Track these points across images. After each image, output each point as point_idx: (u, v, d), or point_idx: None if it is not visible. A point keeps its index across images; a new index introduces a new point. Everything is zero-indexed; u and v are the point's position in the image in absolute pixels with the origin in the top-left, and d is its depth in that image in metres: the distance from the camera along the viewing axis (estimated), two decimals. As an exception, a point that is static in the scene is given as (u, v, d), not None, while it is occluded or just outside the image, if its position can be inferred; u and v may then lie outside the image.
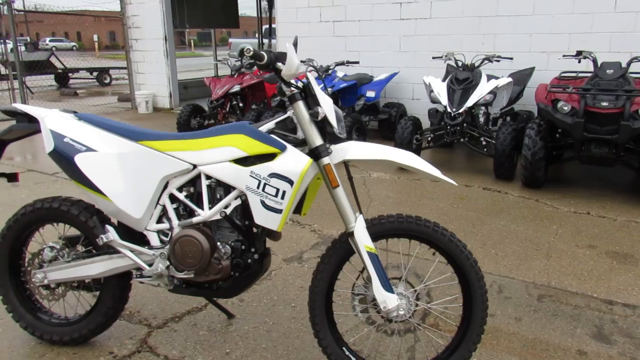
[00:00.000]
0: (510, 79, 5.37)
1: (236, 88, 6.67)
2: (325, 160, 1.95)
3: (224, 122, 6.90)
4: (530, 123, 4.55)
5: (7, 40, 8.27)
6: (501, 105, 5.43)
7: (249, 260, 2.09)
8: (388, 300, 1.94)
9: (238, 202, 2.03)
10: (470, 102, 4.99)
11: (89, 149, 2.12)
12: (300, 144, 2.01)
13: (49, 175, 5.48)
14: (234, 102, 6.80)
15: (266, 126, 2.03)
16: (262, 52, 1.85)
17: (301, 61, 6.79)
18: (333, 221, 3.97)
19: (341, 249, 2.05)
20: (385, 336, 2.40)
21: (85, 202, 2.31)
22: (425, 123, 6.18)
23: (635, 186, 4.52)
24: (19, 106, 2.25)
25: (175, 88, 9.94)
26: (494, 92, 5.11)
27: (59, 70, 14.80)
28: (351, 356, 2.06)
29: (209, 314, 2.68)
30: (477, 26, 6.56)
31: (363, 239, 1.95)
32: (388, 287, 1.96)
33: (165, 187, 2.13)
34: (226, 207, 2.04)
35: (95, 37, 41.20)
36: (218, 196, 2.08)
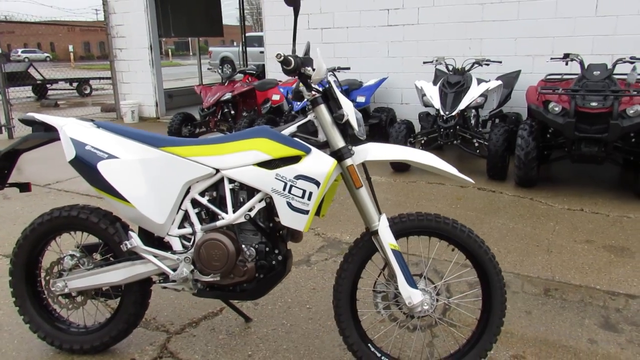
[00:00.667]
0: (500, 82, 5.52)
1: (227, 96, 6.70)
2: (348, 161, 2.00)
3: (215, 130, 6.91)
4: (522, 124, 4.69)
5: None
6: (492, 107, 5.57)
7: (274, 262, 2.12)
8: (413, 296, 2.00)
9: (262, 204, 2.07)
10: (462, 105, 5.11)
11: (110, 156, 2.13)
12: (321, 146, 2.06)
13: (41, 187, 5.41)
14: (226, 110, 6.82)
15: (288, 130, 2.08)
16: (290, 57, 1.90)
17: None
18: (335, 224, 4.02)
19: (364, 247, 2.10)
20: (406, 332, 2.45)
21: (104, 210, 2.32)
22: (416, 127, 6.28)
23: (622, 183, 4.68)
24: (37, 115, 2.25)
25: (161, 97, 9.90)
26: (485, 95, 5.24)
27: (38, 82, 14.57)
28: (377, 352, 2.11)
29: (225, 318, 2.70)
30: (463, 31, 6.72)
31: (387, 237, 2.01)
32: (412, 283, 2.02)
33: (187, 192, 2.15)
34: (250, 209, 2.08)
35: (70, 48, 40.67)
36: (241, 199, 2.11)
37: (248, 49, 14.55)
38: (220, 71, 7.10)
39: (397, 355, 2.21)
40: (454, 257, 2.14)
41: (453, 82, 5.27)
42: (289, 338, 2.50)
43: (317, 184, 1.94)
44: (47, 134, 2.27)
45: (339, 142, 2.00)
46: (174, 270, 2.17)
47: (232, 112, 6.86)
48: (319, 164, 1.95)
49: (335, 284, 2.12)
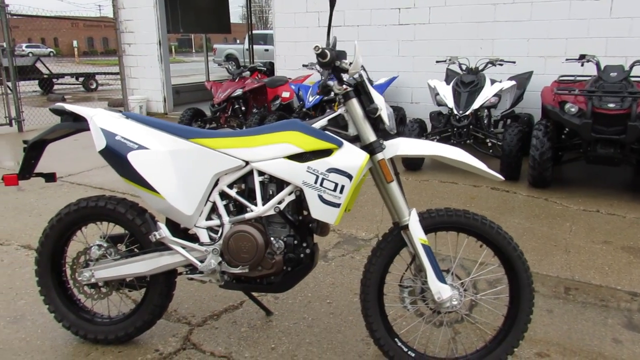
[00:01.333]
0: (514, 82, 5.52)
1: (238, 92, 6.70)
2: (379, 155, 2.01)
3: (226, 126, 6.91)
4: (537, 124, 4.68)
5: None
6: (505, 107, 5.57)
7: (302, 255, 2.12)
8: (442, 291, 2.00)
9: (292, 197, 2.07)
10: (476, 105, 5.11)
11: (140, 147, 2.13)
12: (351, 140, 2.06)
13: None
14: (236, 106, 6.82)
15: (319, 123, 2.08)
16: (326, 50, 1.90)
17: (303, 65, 6.86)
18: (351, 221, 4.02)
19: (393, 242, 2.10)
20: (429, 327, 2.46)
21: (130, 200, 2.32)
22: (428, 126, 6.28)
23: (637, 184, 4.68)
24: (67, 105, 2.25)
25: (169, 93, 9.91)
26: (498, 95, 5.24)
27: (45, 76, 14.58)
28: (403, 347, 2.11)
29: (246, 311, 2.70)
30: (475, 31, 6.71)
31: (417, 232, 2.01)
32: (442, 278, 2.02)
33: (215, 184, 2.15)
34: (280, 202, 2.08)
35: (75, 43, 40.73)
36: (270, 192, 2.11)
37: (254, 46, 14.56)
38: (231, 67, 7.11)
39: (422, 351, 2.21)
40: (482, 254, 2.14)
41: (467, 82, 5.27)
42: (311, 332, 2.50)
43: (350, 177, 1.94)
44: (76, 124, 2.27)
45: (371, 136, 2.00)
46: (202, 261, 2.17)
47: (243, 108, 6.86)
48: (351, 157, 1.95)
49: (363, 278, 2.13)
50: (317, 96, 6.08)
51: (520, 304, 2.08)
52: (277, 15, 8.20)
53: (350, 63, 1.96)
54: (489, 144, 5.21)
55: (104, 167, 5.95)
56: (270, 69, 8.41)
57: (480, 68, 5.46)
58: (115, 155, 2.14)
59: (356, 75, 2.00)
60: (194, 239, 2.23)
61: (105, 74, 15.80)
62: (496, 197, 4.60)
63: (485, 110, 5.51)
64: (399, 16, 7.15)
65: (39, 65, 14.47)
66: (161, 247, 2.21)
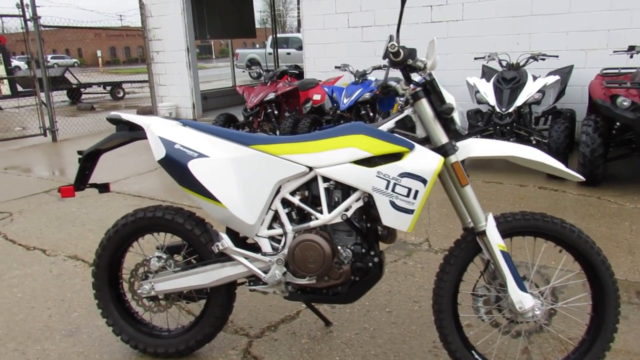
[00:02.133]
0: (558, 77, 5.34)
1: (271, 96, 6.64)
2: (452, 158, 1.90)
3: (259, 131, 6.86)
4: (586, 120, 4.50)
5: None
6: (548, 103, 5.39)
7: (370, 264, 2.03)
8: (524, 301, 1.89)
9: (359, 204, 1.98)
10: (519, 101, 4.95)
11: (201, 155, 2.07)
12: (420, 143, 1.96)
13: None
14: (269, 110, 6.77)
15: (386, 125, 1.98)
16: (400, 49, 1.81)
17: (336, 67, 6.77)
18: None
19: (467, 248, 1.99)
20: (502, 337, 2.33)
21: (188, 210, 2.26)
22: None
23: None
24: (123, 114, 2.21)
25: (198, 99, 9.93)
26: (542, 91, 5.07)
27: (74, 86, 14.81)
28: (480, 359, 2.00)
29: (304, 321, 2.62)
30: (511, 26, 6.54)
31: (496, 238, 1.90)
32: (523, 287, 1.91)
33: (277, 191, 2.08)
34: (347, 209, 1.99)
35: (99, 53, 41.46)
36: (336, 199, 2.02)
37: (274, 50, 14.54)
38: (259, 72, 7.07)
39: (501, 363, 2.10)
40: (562, 259, 2.02)
41: (509, 78, 5.11)
42: (375, 343, 2.40)
43: (424, 181, 1.84)
44: (132, 133, 2.22)
45: (443, 137, 1.90)
46: (265, 272, 2.10)
47: (276, 112, 6.81)
48: (425, 160, 1.85)
49: (435, 287, 2.02)
50: (352, 98, 5.99)
51: (605, 312, 1.95)
52: (305, 17, 8.14)
53: (424, 61, 1.85)
54: (533, 142, 5.04)
55: (140, 175, 5.96)
56: (298, 72, 8.35)
57: (521, 64, 5.29)
58: (175, 164, 2.08)
59: (427, 74, 1.90)
60: (254, 248, 2.16)
61: (132, 82, 15.98)
62: (546, 197, 4.43)
63: (527, 107, 5.34)
64: (431, 14, 7.01)
65: (67, 75, 14.71)
66: (223, 257, 2.14)
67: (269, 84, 6.83)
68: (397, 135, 1.91)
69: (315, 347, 2.39)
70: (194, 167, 2.06)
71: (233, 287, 2.24)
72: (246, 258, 2.11)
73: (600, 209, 4.05)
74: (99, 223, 4.27)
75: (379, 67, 6.28)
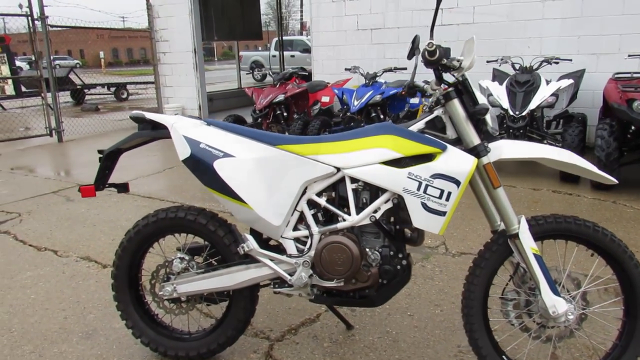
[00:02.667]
0: (571, 81, 5.31)
1: (280, 97, 6.62)
2: (485, 159, 1.87)
3: (267, 132, 6.82)
4: (601, 124, 4.48)
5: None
6: (562, 107, 5.36)
7: (398, 267, 1.99)
8: (557, 305, 1.85)
9: (388, 205, 1.94)
10: (533, 105, 4.92)
11: (226, 155, 2.03)
12: (451, 144, 1.92)
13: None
14: (278, 112, 6.74)
15: (416, 126, 1.95)
16: (436, 48, 1.78)
17: (346, 69, 6.75)
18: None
19: (498, 252, 1.95)
20: (522, 340, 2.30)
21: (209, 211, 2.22)
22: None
23: None
24: (146, 114, 2.17)
25: (204, 100, 9.90)
26: (556, 94, 5.04)
27: (78, 87, 14.79)
28: (511, 365, 1.96)
29: (324, 325, 2.58)
30: (522, 30, 6.51)
31: (529, 241, 1.86)
32: (556, 291, 1.87)
33: (303, 192, 2.04)
34: (375, 211, 1.95)
35: (101, 54, 41.46)
36: (364, 200, 1.99)
37: (278, 52, 14.54)
38: (269, 73, 7.06)
39: (531, 368, 2.05)
40: (594, 263, 1.98)
41: (522, 81, 5.08)
42: (398, 347, 2.36)
43: (458, 183, 1.81)
44: (154, 132, 2.19)
45: (475, 138, 1.87)
46: (290, 274, 2.06)
47: (285, 114, 6.78)
48: (458, 162, 1.82)
49: (465, 291, 1.98)
50: (363, 100, 5.96)
51: (638, 317, 1.91)
52: (314, 19, 8.11)
53: (459, 60, 1.82)
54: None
55: (148, 176, 5.92)
56: (307, 74, 8.33)
57: (535, 67, 5.26)
58: (200, 164, 2.05)
59: (460, 74, 1.87)
60: (278, 250, 2.12)
61: (137, 83, 15.96)
62: (560, 201, 4.39)
63: (540, 111, 5.31)
64: (441, 17, 6.98)
65: (71, 76, 14.69)
66: (247, 259, 2.11)
67: (278, 86, 6.80)
68: (429, 136, 1.88)
69: (338, 351, 2.35)
70: (219, 166, 2.02)
71: (256, 289, 2.20)
72: (271, 260, 2.07)
73: (616, 213, 4.01)
74: (109, 224, 4.24)
75: (390, 70, 6.26)
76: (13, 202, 4.99)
